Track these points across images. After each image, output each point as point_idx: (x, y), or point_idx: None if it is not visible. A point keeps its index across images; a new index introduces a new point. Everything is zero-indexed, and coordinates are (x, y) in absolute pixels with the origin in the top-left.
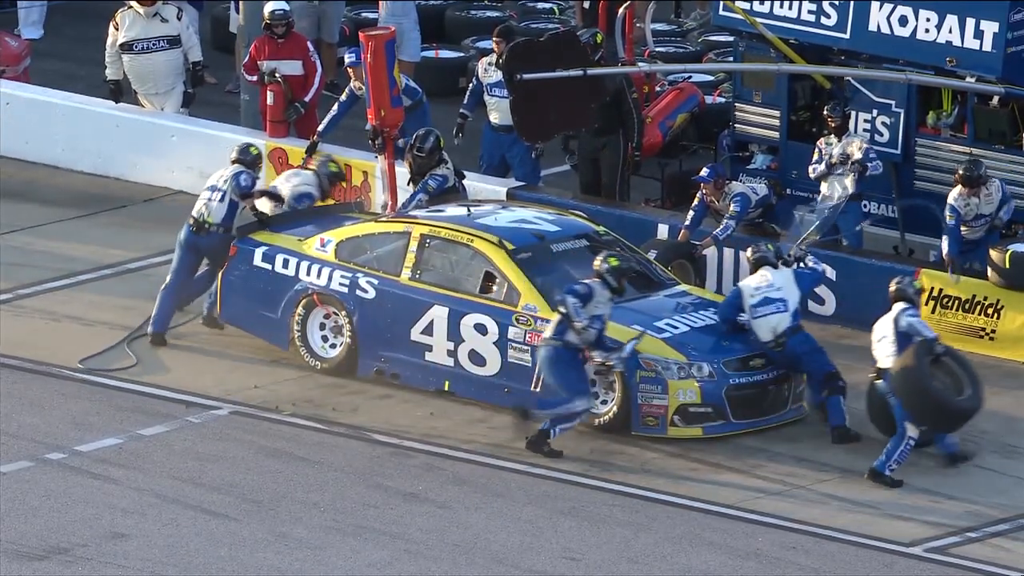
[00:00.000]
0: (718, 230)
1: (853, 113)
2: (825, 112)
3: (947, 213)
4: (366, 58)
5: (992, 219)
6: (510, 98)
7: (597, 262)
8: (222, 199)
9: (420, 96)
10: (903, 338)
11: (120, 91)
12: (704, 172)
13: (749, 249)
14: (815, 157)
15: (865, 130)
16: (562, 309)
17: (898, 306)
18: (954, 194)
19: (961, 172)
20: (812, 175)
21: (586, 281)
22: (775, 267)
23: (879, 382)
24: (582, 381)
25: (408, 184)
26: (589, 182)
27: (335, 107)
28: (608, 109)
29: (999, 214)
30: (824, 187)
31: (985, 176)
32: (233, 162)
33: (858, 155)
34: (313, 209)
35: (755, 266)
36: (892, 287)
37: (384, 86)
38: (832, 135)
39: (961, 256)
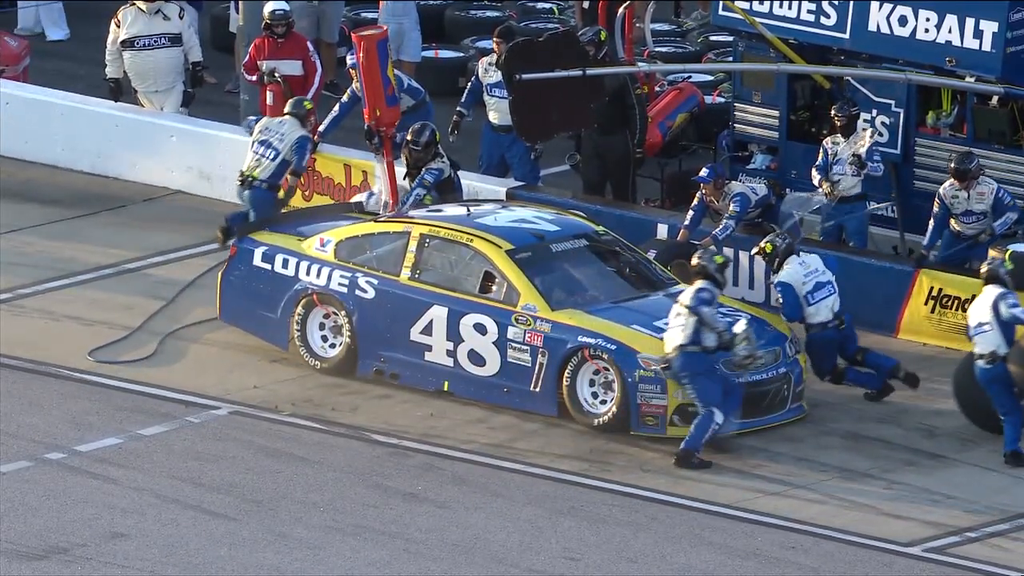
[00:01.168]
0: (718, 230)
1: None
2: (832, 112)
3: (935, 202)
4: (359, 58)
5: (983, 220)
6: (510, 98)
7: (702, 261)
8: (275, 158)
9: (423, 96)
10: (1007, 328)
11: (120, 90)
12: (704, 172)
13: (775, 238)
14: (820, 158)
15: (864, 130)
16: (689, 321)
17: (992, 290)
18: (945, 185)
19: (952, 164)
20: (815, 179)
21: (700, 286)
22: (798, 254)
23: (983, 364)
24: (719, 392)
25: (404, 178)
26: (594, 181)
27: (336, 108)
28: (611, 107)
29: (994, 224)
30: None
31: (977, 171)
32: (286, 114)
33: (861, 151)
34: (312, 209)
35: (783, 256)
36: (983, 268)
37: (378, 85)
38: (838, 135)
39: (952, 252)
